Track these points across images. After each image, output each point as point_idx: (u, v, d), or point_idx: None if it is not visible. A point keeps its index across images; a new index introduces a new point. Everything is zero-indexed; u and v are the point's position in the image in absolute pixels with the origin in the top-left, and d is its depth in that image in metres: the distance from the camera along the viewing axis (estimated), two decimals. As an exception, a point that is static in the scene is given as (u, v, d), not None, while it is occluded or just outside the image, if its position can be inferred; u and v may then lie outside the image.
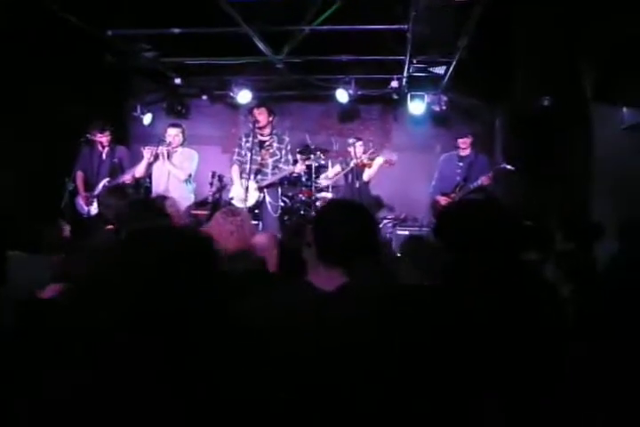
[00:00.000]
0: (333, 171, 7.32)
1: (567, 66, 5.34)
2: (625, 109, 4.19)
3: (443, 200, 6.73)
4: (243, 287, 2.27)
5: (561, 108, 5.55)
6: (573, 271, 2.64)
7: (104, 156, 6.37)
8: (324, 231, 1.94)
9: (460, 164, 6.78)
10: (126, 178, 6.18)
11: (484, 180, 6.42)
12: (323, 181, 7.37)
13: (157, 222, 3.03)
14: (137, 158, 6.35)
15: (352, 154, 6.87)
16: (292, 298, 1.79)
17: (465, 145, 6.76)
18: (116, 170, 6.31)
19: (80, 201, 6.23)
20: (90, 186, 6.30)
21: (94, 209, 6.15)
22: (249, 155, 6.20)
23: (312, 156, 6.84)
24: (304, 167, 6.67)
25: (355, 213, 1.96)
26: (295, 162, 6.66)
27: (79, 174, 6.33)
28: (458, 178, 6.73)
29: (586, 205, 4.76)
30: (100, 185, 6.21)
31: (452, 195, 6.69)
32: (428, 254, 3.86)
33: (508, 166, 6.42)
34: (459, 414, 1.51)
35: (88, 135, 6.21)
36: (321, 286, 1.77)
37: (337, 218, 1.94)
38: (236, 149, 6.64)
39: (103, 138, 6.29)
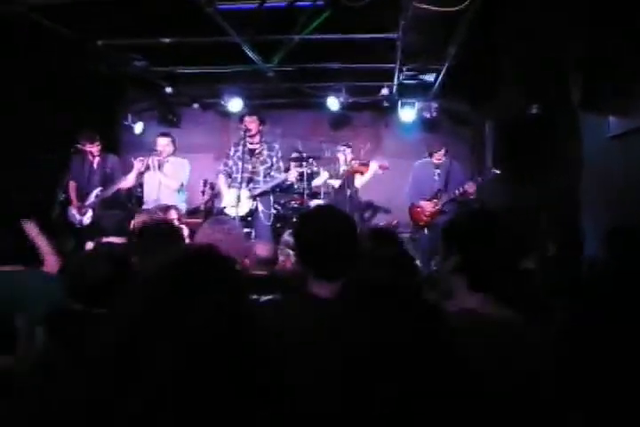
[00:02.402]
0: (322, 178, 7.34)
1: (555, 73, 5.39)
2: (611, 118, 4.23)
3: (427, 205, 6.81)
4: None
5: (549, 115, 5.60)
6: (560, 279, 2.67)
7: (95, 165, 6.37)
8: (305, 243, 1.98)
9: (437, 170, 6.88)
10: (118, 187, 6.19)
11: (469, 186, 6.49)
12: (313, 183, 7.42)
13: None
14: (128, 167, 6.35)
15: (341, 161, 6.92)
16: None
17: (440, 157, 6.86)
18: (108, 179, 6.31)
19: (73, 211, 6.22)
20: (82, 196, 6.30)
21: (87, 219, 6.16)
22: (239, 164, 6.21)
23: (304, 163, 6.85)
24: (297, 174, 6.68)
25: (332, 223, 1.99)
26: (287, 169, 6.68)
27: (72, 184, 6.34)
28: (436, 184, 6.83)
29: (573, 211, 4.80)
30: (93, 195, 6.22)
31: (435, 200, 6.77)
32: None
33: (496, 171, 6.49)
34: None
35: (78, 145, 6.22)
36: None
37: (316, 229, 1.98)
38: (224, 160, 6.64)
39: (93, 148, 6.28)
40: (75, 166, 6.36)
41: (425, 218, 6.81)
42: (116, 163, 6.49)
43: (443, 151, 6.85)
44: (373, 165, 6.89)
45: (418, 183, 6.98)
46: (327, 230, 1.95)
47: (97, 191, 6.21)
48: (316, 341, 1.66)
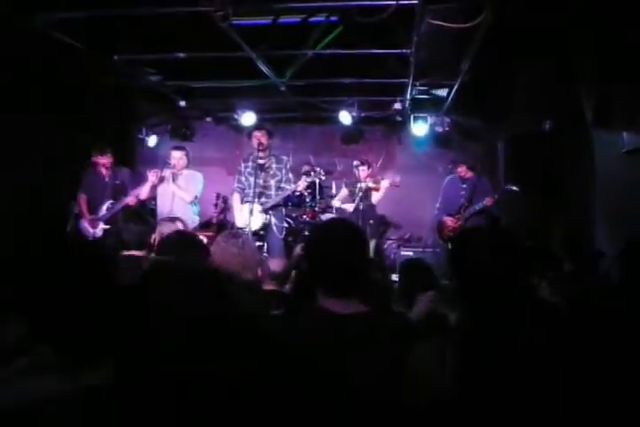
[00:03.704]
0: (342, 194, 7.35)
1: (568, 88, 5.38)
2: (625, 133, 4.22)
3: (449, 221, 6.89)
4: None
5: (562, 131, 5.58)
6: (571, 295, 2.64)
7: (107, 178, 6.39)
8: (314, 259, 1.95)
9: (464, 185, 6.94)
10: (129, 200, 6.20)
11: (487, 201, 6.55)
12: (336, 202, 7.44)
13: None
14: (141, 180, 6.36)
15: (356, 177, 6.94)
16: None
17: (464, 171, 6.91)
18: (119, 192, 6.33)
19: (85, 224, 6.25)
20: (93, 208, 6.33)
21: (99, 232, 6.18)
22: (251, 179, 6.19)
23: (312, 172, 6.78)
24: (306, 184, 6.61)
25: (342, 238, 1.96)
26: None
27: (82, 197, 6.34)
28: (462, 199, 6.88)
29: (587, 228, 4.77)
30: (104, 207, 6.24)
31: (458, 215, 6.80)
32: (427, 278, 3.87)
33: (514, 187, 6.48)
34: None
35: (91, 158, 6.26)
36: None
37: (326, 244, 1.94)
38: (236, 176, 6.60)
39: (104, 160, 6.30)
40: (87, 179, 6.39)
41: (448, 233, 6.86)
42: (127, 175, 6.49)
43: (464, 166, 6.95)
44: (385, 183, 6.93)
45: (446, 199, 7.08)
46: (337, 246, 1.92)
47: (108, 204, 6.24)
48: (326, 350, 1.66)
